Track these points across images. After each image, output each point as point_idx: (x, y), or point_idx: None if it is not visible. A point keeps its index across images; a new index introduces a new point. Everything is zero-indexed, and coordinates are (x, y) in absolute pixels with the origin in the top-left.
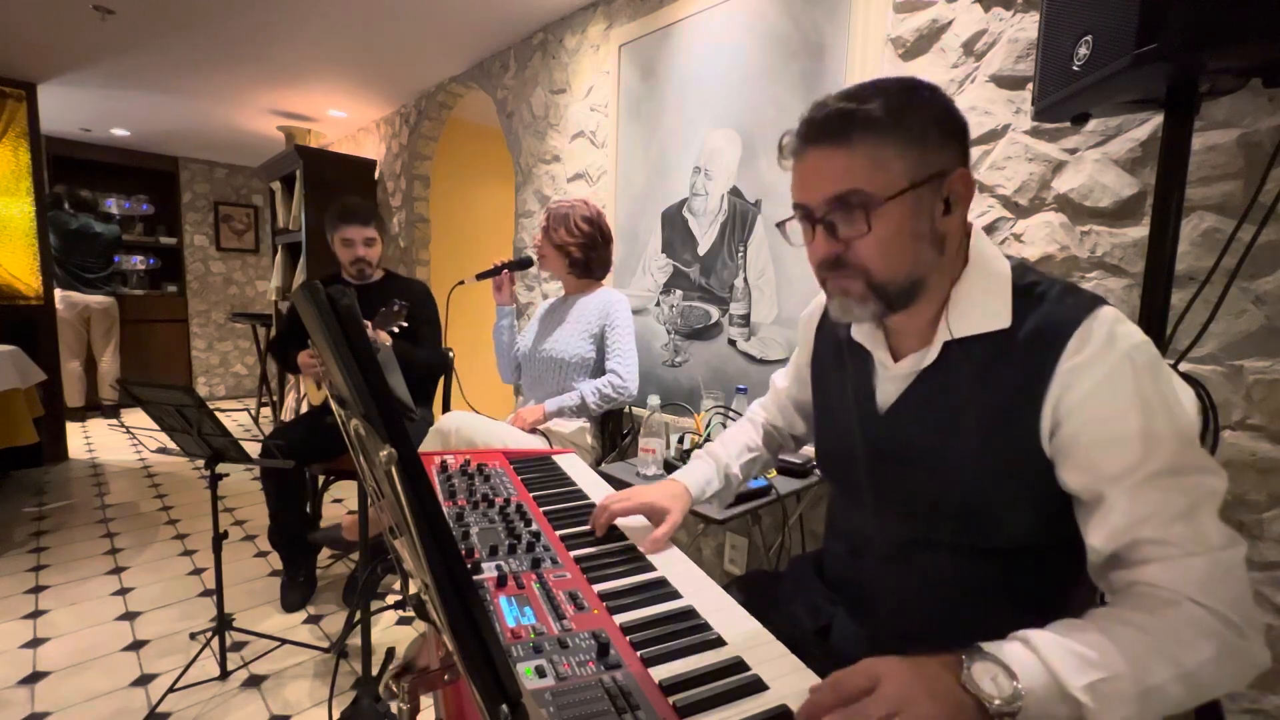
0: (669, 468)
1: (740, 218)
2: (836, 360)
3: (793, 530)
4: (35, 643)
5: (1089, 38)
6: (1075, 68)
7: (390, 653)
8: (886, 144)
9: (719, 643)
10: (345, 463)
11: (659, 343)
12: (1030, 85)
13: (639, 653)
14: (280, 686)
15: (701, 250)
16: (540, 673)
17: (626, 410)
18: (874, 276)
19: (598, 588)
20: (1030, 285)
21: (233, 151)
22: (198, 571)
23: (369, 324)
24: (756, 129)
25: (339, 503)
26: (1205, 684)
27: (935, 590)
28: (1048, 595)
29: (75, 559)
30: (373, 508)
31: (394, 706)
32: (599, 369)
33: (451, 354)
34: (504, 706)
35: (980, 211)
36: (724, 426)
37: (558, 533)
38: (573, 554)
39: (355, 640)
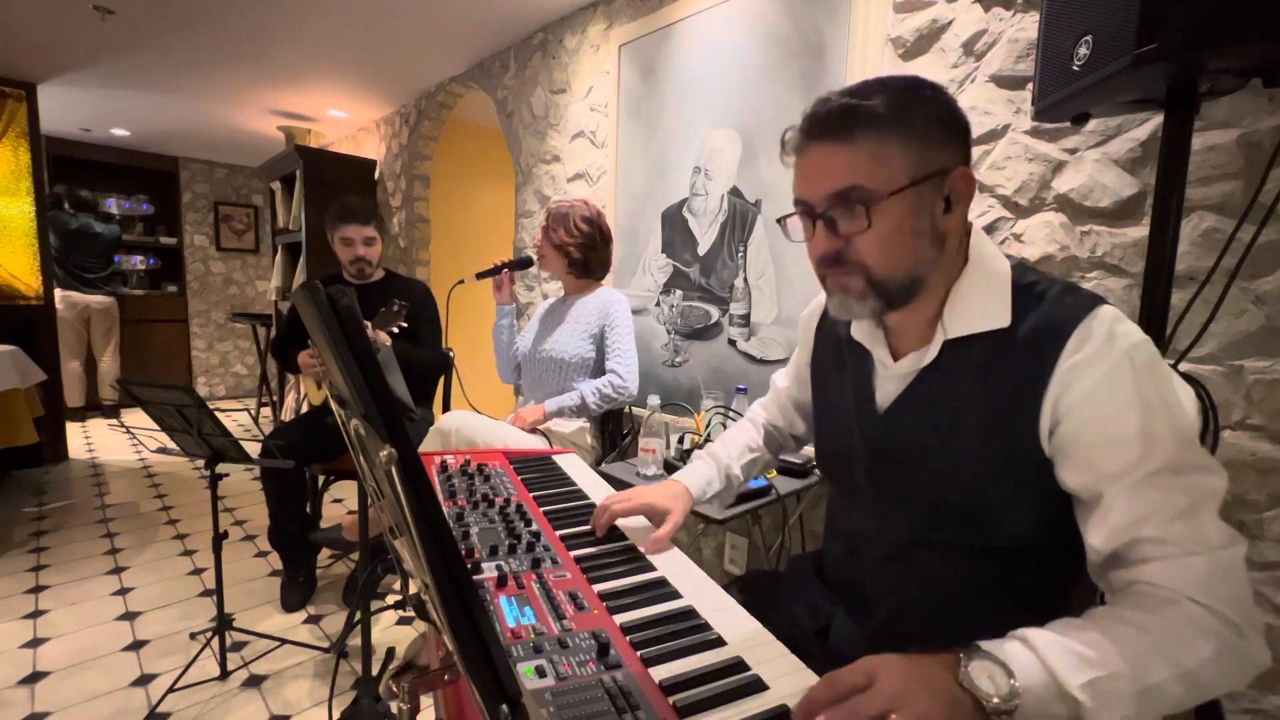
0: (669, 468)
1: (740, 218)
2: (836, 360)
3: (793, 530)
4: (35, 643)
5: (1089, 38)
6: (1075, 68)
7: (390, 653)
8: (889, 140)
9: (719, 643)
10: (345, 463)
11: (659, 343)
12: (1030, 85)
13: (639, 653)
14: (280, 686)
15: (701, 250)
16: (540, 673)
17: (626, 410)
18: (873, 273)
19: (598, 588)
20: (1030, 285)
21: (233, 151)
22: (198, 571)
23: (369, 324)
24: (756, 129)
25: (339, 503)
26: (1205, 683)
27: (935, 590)
28: (1048, 595)
29: (75, 559)
30: (373, 508)
31: (394, 706)
32: (599, 369)
33: (452, 354)
34: (504, 706)
35: (980, 211)
36: (724, 426)
37: (558, 533)
38: (573, 554)
39: (355, 640)
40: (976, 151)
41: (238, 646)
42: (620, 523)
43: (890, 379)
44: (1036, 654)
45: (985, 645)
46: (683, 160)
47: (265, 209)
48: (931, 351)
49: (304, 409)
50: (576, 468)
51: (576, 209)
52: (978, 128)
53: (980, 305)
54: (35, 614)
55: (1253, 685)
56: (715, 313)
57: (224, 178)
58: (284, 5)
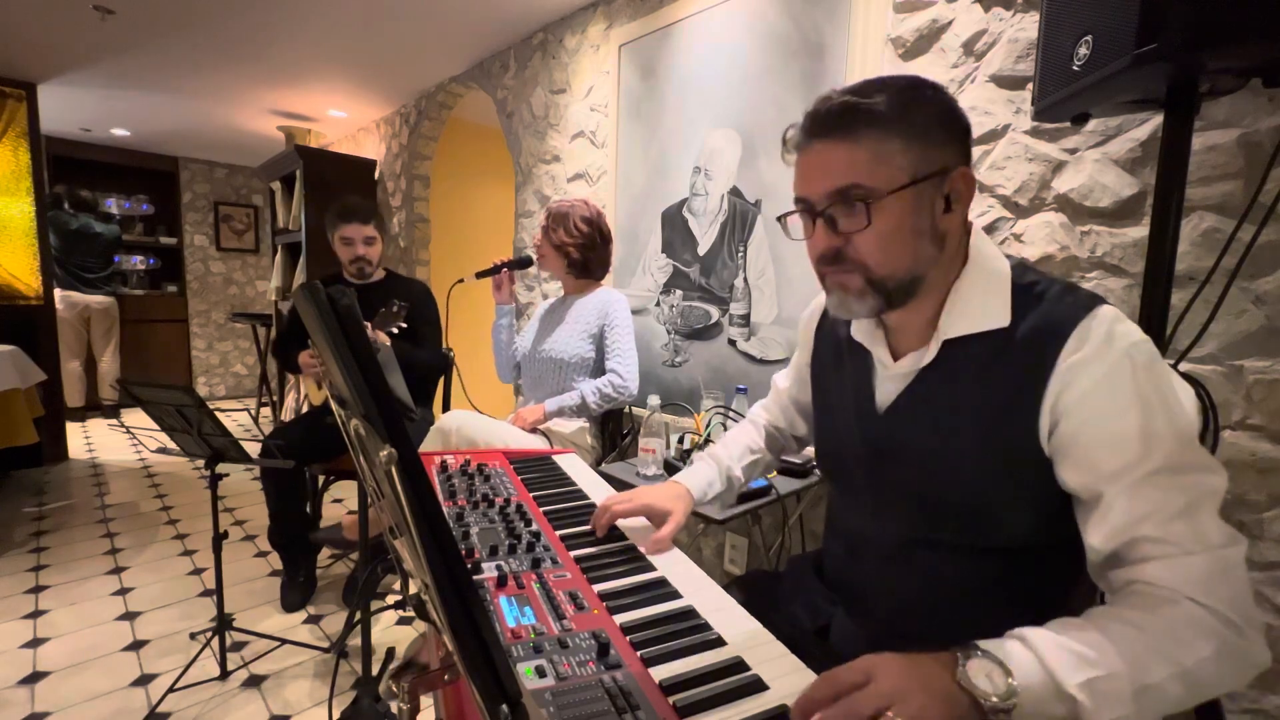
0: (669, 468)
1: (740, 218)
2: (836, 360)
3: (793, 530)
4: (35, 643)
5: (1089, 38)
6: (1075, 68)
7: (390, 653)
8: (890, 139)
9: (719, 643)
10: (345, 463)
11: (659, 343)
12: (1030, 85)
13: (639, 653)
14: (280, 686)
15: (701, 250)
16: (540, 673)
17: (626, 410)
18: (873, 271)
19: (598, 588)
20: (1029, 284)
21: (233, 151)
22: (198, 571)
23: (368, 324)
24: (756, 129)
25: (339, 503)
26: (1204, 683)
27: (935, 590)
28: (1047, 595)
29: (75, 559)
30: (373, 508)
31: (394, 706)
32: (598, 369)
33: (452, 354)
34: (504, 706)
35: (980, 211)
36: (724, 427)
37: (558, 533)
38: (573, 554)
39: (355, 640)
40: (976, 151)
41: (238, 646)
42: (621, 523)
43: (890, 379)
44: (1035, 653)
45: (983, 644)
46: (683, 160)
47: (265, 209)
48: (931, 351)
49: (304, 409)
50: (577, 468)
51: (576, 209)
52: (978, 128)
53: (980, 305)
54: (35, 614)
55: (1253, 685)
56: (715, 313)
57: (224, 178)
58: (284, 5)
